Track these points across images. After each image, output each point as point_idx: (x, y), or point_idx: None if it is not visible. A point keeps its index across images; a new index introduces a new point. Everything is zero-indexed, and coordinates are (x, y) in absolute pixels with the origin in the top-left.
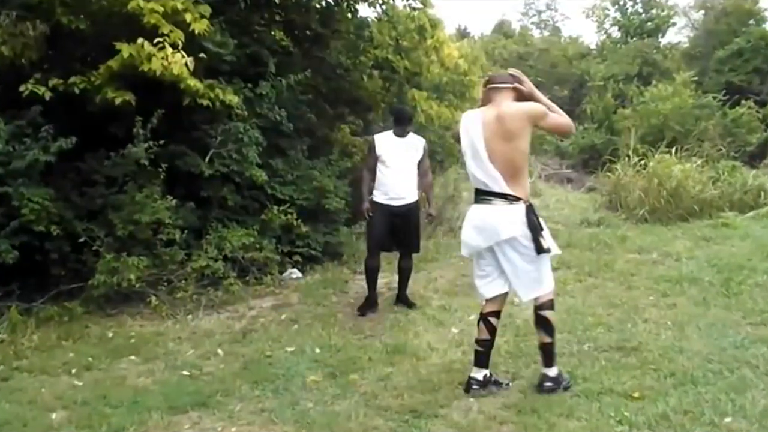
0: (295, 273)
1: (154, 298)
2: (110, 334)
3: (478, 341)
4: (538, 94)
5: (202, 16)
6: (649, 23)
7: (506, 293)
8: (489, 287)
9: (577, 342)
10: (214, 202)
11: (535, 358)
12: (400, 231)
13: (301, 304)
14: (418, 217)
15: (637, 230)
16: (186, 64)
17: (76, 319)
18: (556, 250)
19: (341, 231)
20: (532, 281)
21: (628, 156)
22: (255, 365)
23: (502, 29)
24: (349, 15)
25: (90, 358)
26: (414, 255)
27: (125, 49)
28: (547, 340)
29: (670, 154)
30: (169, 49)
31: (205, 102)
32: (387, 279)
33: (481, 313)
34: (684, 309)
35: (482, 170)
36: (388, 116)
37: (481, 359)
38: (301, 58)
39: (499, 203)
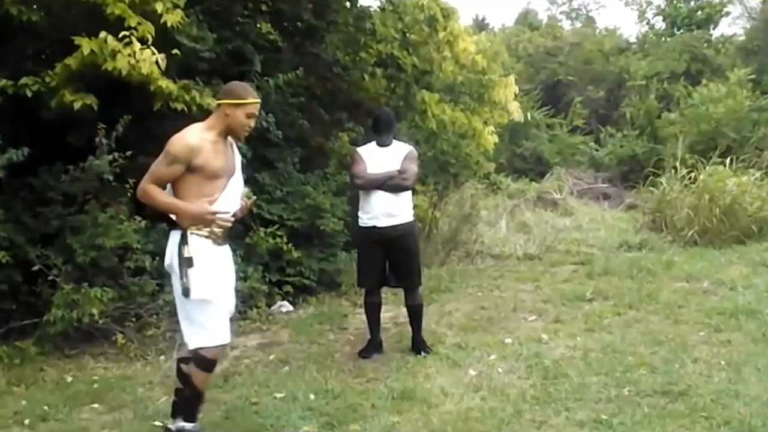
0: (286, 306)
1: (120, 336)
2: (69, 379)
3: (175, 390)
4: None
5: (176, 6)
6: (699, 12)
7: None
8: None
9: (616, 385)
10: None
11: (567, 404)
12: (396, 261)
13: (292, 342)
14: (416, 243)
15: (686, 255)
16: (157, 62)
17: (29, 361)
18: (201, 294)
19: (339, 257)
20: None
21: (675, 168)
22: (239, 414)
23: (526, 20)
24: (348, 4)
25: (46, 407)
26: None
27: (86, 45)
28: (186, 393)
29: (724, 166)
30: (137, 45)
31: (179, 106)
32: (392, 313)
33: (177, 359)
34: (740, 347)
35: None
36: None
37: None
38: (291, 55)
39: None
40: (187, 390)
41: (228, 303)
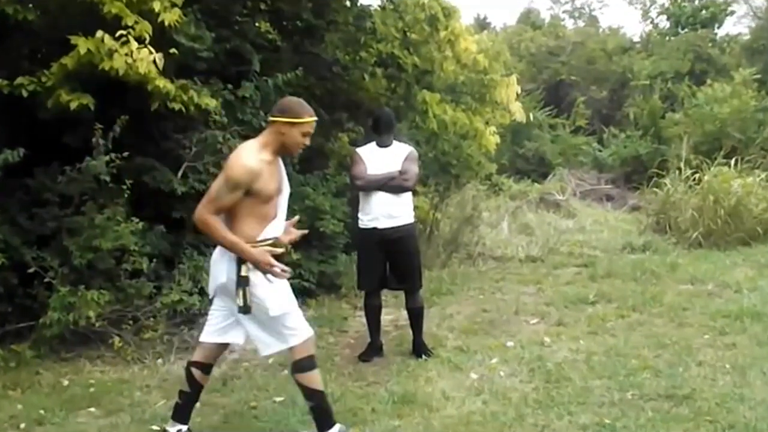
0: None
1: (117, 339)
2: (65, 382)
3: (179, 392)
4: None
5: (174, 5)
6: (704, 11)
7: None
8: (206, 329)
9: (619, 389)
10: (188, 225)
11: (570, 408)
12: (396, 263)
13: None
14: (417, 245)
15: (690, 257)
16: (154, 62)
17: (24, 365)
18: (282, 309)
19: (339, 259)
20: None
21: (679, 169)
22: (237, 418)
23: (528, 19)
24: (348, 3)
25: (42, 411)
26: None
27: (82, 44)
28: (311, 403)
29: (729, 167)
30: (134, 44)
31: (177, 106)
32: (393, 316)
33: (188, 361)
34: (745, 350)
35: None
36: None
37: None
38: (290, 54)
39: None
40: (312, 400)
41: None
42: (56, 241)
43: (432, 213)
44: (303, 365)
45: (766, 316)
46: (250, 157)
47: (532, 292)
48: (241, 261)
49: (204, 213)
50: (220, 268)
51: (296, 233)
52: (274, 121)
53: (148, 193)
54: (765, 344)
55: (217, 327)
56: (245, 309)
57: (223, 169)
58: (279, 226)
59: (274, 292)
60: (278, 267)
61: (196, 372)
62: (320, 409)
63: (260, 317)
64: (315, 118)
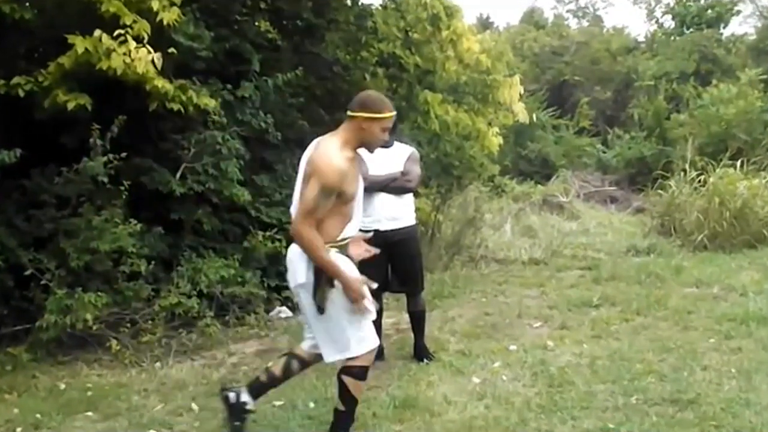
0: (285, 311)
1: (114, 343)
2: (62, 386)
3: (266, 368)
4: None
5: (172, 4)
6: (709, 11)
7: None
8: (307, 335)
9: (623, 394)
10: (186, 226)
11: (573, 413)
12: (398, 265)
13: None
14: (419, 247)
15: (695, 259)
16: (152, 61)
17: (21, 368)
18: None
19: None
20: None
21: (684, 170)
22: None
23: (532, 18)
24: (349, 2)
25: (38, 415)
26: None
27: (80, 44)
28: (341, 407)
29: (735, 168)
30: (133, 44)
31: (175, 106)
32: (394, 319)
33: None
34: (751, 354)
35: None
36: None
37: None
38: (290, 54)
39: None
40: (345, 404)
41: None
42: (53, 243)
43: (434, 215)
44: (357, 373)
45: None
46: (337, 157)
47: (535, 295)
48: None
49: (304, 228)
50: (298, 268)
51: (365, 247)
52: (353, 117)
53: (146, 195)
54: None
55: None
56: (320, 309)
57: (312, 175)
58: (356, 225)
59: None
60: (367, 301)
61: (294, 363)
62: (346, 417)
63: (333, 322)
64: (394, 113)
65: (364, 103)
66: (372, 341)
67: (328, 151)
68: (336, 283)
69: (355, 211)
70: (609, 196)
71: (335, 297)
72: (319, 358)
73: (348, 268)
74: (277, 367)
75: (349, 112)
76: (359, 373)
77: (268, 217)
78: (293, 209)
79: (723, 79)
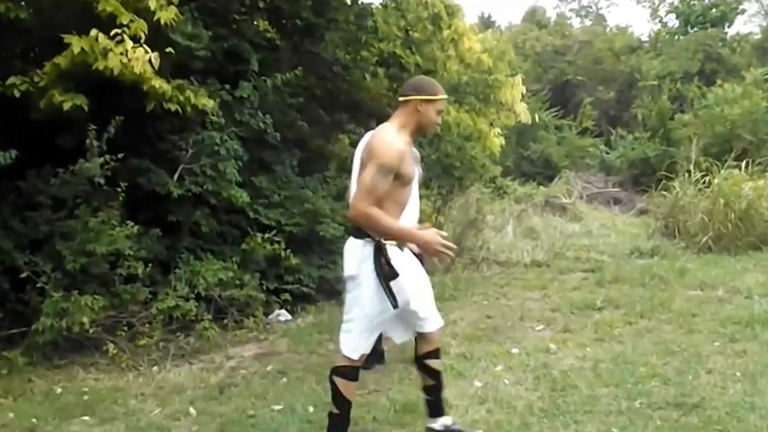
0: (284, 315)
1: (111, 346)
2: (58, 390)
3: (423, 389)
4: None
5: (170, 3)
6: (714, 10)
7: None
8: (394, 334)
9: (627, 397)
10: (184, 228)
11: (576, 417)
12: None
13: (290, 352)
14: None
15: (699, 261)
16: (150, 61)
17: (16, 372)
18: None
19: (339, 264)
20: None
21: (689, 171)
22: (235, 427)
23: (534, 18)
24: (348, 1)
25: (34, 420)
26: None
27: (76, 43)
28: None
29: (740, 169)
30: (130, 43)
31: (173, 107)
32: None
33: (414, 358)
34: (756, 357)
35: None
36: None
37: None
38: (289, 54)
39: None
40: (338, 407)
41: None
42: (49, 245)
43: (435, 216)
44: (348, 373)
45: None
46: (395, 138)
47: (538, 298)
48: (382, 253)
49: (364, 206)
50: (351, 260)
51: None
52: (408, 101)
53: (143, 196)
54: None
55: (399, 325)
56: (395, 305)
57: (369, 158)
58: (412, 212)
59: (406, 285)
60: (449, 246)
61: (431, 362)
62: (340, 421)
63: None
64: (446, 96)
65: (418, 87)
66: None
67: (385, 134)
68: (397, 274)
69: (410, 198)
70: (612, 198)
71: (398, 290)
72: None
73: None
74: (425, 378)
75: (402, 98)
76: (350, 373)
77: (266, 218)
78: (351, 202)
79: (728, 78)
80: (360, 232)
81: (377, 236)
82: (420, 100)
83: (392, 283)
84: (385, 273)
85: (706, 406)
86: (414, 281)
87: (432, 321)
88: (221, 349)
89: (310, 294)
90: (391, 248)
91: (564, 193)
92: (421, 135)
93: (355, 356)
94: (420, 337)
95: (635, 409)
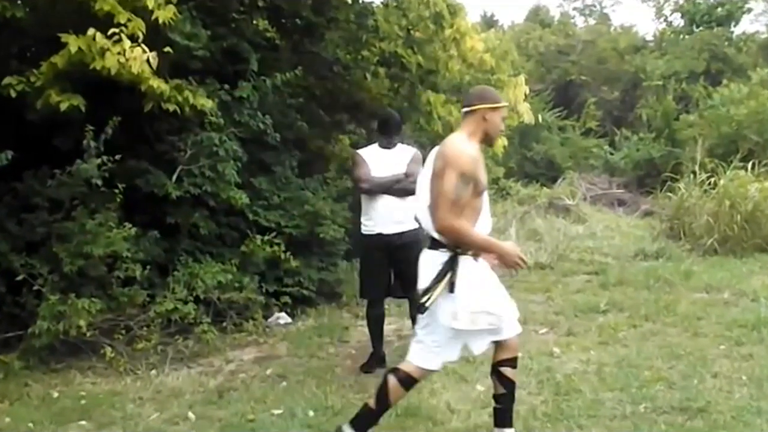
0: (283, 318)
1: (109, 350)
2: (55, 394)
3: (494, 397)
4: None
5: (168, 2)
6: (720, 9)
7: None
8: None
9: (631, 402)
10: (183, 230)
11: (580, 422)
12: (402, 270)
13: (290, 356)
14: (422, 250)
15: (705, 264)
16: (148, 61)
17: (13, 376)
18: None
19: (340, 266)
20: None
21: (694, 172)
22: (234, 431)
23: (537, 17)
24: (349, 0)
25: (30, 424)
26: None
27: (73, 43)
28: (372, 404)
29: (746, 170)
30: (127, 43)
31: (171, 107)
32: (395, 325)
33: (492, 364)
34: (762, 361)
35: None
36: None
37: (500, 417)
38: (289, 54)
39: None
40: (377, 403)
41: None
42: (46, 247)
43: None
44: (404, 380)
45: None
46: (467, 146)
47: (541, 301)
48: (453, 264)
49: (451, 220)
50: (428, 273)
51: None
52: (475, 110)
53: (141, 198)
54: None
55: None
56: (423, 308)
57: (446, 168)
58: (486, 221)
59: (487, 291)
60: (524, 258)
61: (506, 369)
62: (371, 416)
63: (435, 327)
64: (507, 103)
65: (483, 96)
66: (433, 364)
67: (458, 144)
68: (455, 288)
69: (483, 206)
70: (616, 199)
71: (444, 305)
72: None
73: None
74: (497, 386)
75: (467, 108)
76: (407, 381)
77: (266, 220)
78: (422, 214)
79: (734, 78)
80: (437, 244)
81: (456, 248)
82: (486, 108)
83: (454, 293)
84: (444, 282)
85: (711, 411)
86: (492, 290)
87: (510, 328)
88: (220, 353)
89: (310, 297)
90: (465, 260)
91: (567, 194)
92: (487, 143)
93: (426, 366)
94: (498, 344)
95: (640, 414)
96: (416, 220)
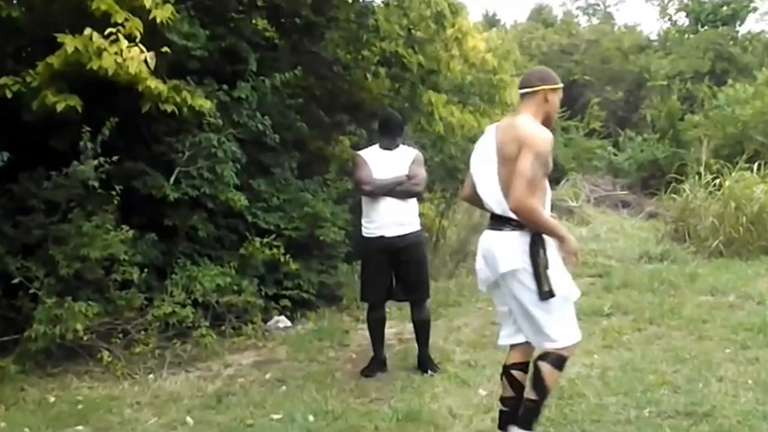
0: (283, 321)
1: (106, 354)
2: (52, 399)
3: (501, 399)
4: None
5: (166, 1)
6: (725, 8)
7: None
8: (503, 333)
9: (636, 406)
10: (180, 232)
11: (584, 426)
12: (403, 272)
13: (290, 360)
14: (425, 252)
15: (710, 266)
16: (145, 61)
17: (9, 380)
18: (566, 292)
19: (340, 269)
20: (536, 330)
21: (699, 174)
22: None
23: (540, 16)
24: None
25: (27, 429)
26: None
27: (69, 43)
28: (533, 396)
29: (752, 171)
30: (125, 42)
31: (169, 108)
32: (397, 329)
33: (503, 366)
34: None
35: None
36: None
37: (505, 420)
38: (288, 53)
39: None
40: (538, 393)
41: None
42: (42, 250)
43: (438, 220)
44: (556, 361)
45: None
46: (542, 128)
47: None
48: (540, 244)
49: (529, 198)
50: (509, 254)
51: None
52: (537, 91)
53: (138, 200)
54: None
55: (512, 328)
56: (549, 294)
57: (522, 148)
58: (548, 204)
59: (562, 276)
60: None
61: (517, 373)
62: (536, 408)
63: (551, 306)
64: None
65: (544, 76)
66: (577, 334)
67: (531, 126)
68: (550, 265)
69: (547, 188)
70: (620, 201)
71: (555, 280)
72: (526, 348)
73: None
74: (504, 389)
75: (529, 89)
76: (557, 361)
77: (265, 222)
78: (488, 197)
79: (739, 78)
80: (510, 224)
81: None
82: (548, 89)
83: (549, 273)
84: (544, 262)
85: (717, 415)
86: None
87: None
88: (219, 357)
89: (309, 300)
90: (548, 240)
91: (571, 196)
92: (547, 125)
93: (570, 341)
94: (515, 346)
95: (644, 418)
96: (490, 206)
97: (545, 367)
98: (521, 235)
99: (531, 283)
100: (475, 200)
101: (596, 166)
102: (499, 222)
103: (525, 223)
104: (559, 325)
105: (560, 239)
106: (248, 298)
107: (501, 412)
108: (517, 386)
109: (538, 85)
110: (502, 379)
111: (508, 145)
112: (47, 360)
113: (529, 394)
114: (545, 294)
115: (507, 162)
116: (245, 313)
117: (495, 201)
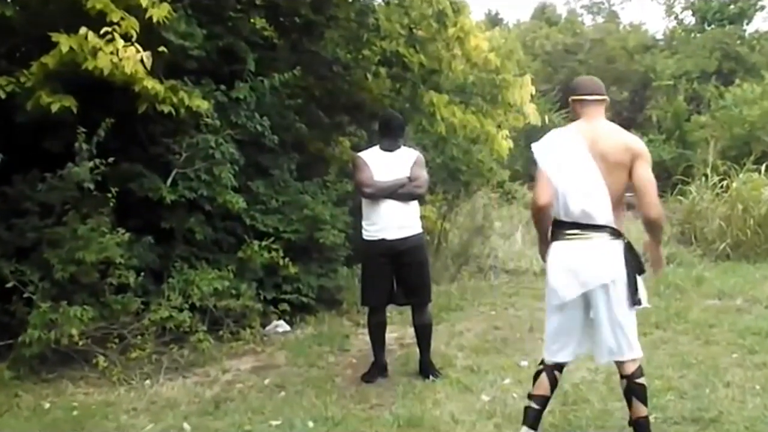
0: (282, 326)
1: (102, 359)
2: (46, 405)
3: (533, 396)
4: None
5: (162, 0)
6: (732, 7)
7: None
8: (568, 351)
9: None
10: (178, 235)
11: (587, 431)
12: (405, 276)
13: (289, 365)
14: (427, 256)
15: (717, 269)
16: (141, 61)
17: (2, 386)
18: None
19: (340, 272)
20: (624, 342)
21: (706, 175)
22: None
23: (544, 15)
24: None
25: None
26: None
27: (64, 42)
28: (645, 413)
29: (759, 173)
30: (120, 42)
31: (166, 109)
32: (398, 333)
33: (546, 364)
34: None
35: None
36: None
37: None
38: (288, 53)
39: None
40: (646, 407)
41: None
42: (36, 253)
43: (440, 223)
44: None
45: None
46: None
47: None
48: (633, 252)
49: (659, 207)
50: (612, 264)
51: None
52: (605, 99)
53: (134, 202)
54: None
55: (575, 343)
56: (639, 302)
57: (637, 158)
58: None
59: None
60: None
61: (558, 374)
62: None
63: (633, 316)
64: None
65: (602, 86)
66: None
67: (619, 130)
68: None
69: None
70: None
71: (641, 289)
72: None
73: None
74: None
75: (601, 97)
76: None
77: (264, 225)
78: (589, 206)
79: (746, 78)
80: (608, 232)
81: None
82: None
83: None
84: (639, 268)
85: (724, 421)
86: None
87: None
88: (216, 362)
89: (309, 304)
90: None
91: None
92: None
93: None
94: None
95: (650, 424)
96: (586, 213)
97: (642, 380)
98: (619, 244)
99: (625, 292)
100: (551, 209)
101: None
102: (592, 230)
103: (656, 232)
104: (636, 337)
105: (659, 247)
106: (246, 302)
107: (530, 408)
108: (554, 385)
109: (605, 95)
110: (539, 376)
111: (617, 154)
112: (42, 365)
113: (640, 411)
114: (637, 302)
115: (614, 170)
116: (243, 318)
117: (598, 209)
